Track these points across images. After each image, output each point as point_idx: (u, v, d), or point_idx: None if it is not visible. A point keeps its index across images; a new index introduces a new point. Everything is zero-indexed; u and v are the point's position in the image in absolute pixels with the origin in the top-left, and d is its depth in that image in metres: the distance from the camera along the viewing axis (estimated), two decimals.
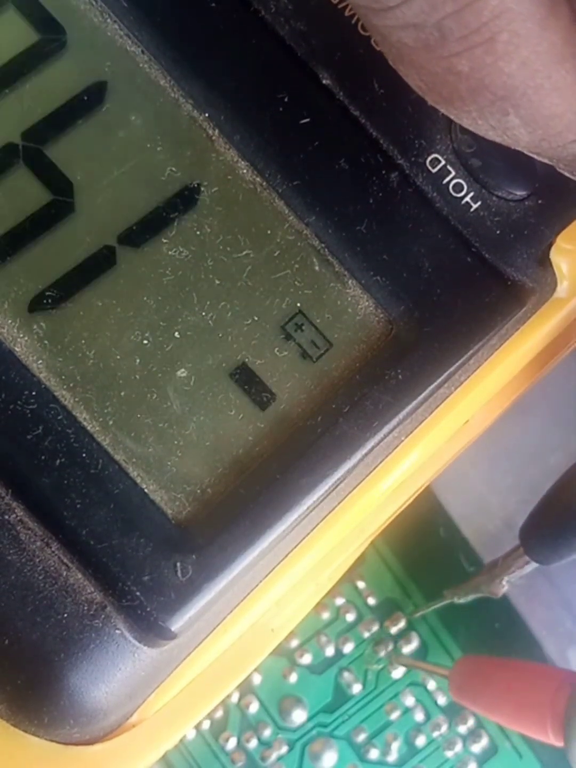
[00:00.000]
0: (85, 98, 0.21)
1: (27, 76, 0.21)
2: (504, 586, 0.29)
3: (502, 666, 0.29)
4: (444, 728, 0.30)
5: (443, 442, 0.22)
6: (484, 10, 0.16)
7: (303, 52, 0.21)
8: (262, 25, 0.21)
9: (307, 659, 0.30)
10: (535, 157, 0.18)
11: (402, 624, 0.31)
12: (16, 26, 0.21)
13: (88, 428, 0.20)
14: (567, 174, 0.19)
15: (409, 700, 0.30)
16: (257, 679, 0.30)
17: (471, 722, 0.30)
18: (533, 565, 0.28)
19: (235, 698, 0.30)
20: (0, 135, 0.20)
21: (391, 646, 0.31)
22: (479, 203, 0.21)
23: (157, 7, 0.21)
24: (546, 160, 0.18)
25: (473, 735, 0.30)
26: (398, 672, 0.30)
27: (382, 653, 0.31)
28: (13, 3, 0.21)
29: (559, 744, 0.27)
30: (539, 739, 0.28)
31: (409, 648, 0.31)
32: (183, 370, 0.20)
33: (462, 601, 0.30)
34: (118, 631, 0.20)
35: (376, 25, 0.17)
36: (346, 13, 0.21)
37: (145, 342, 0.20)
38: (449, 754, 0.30)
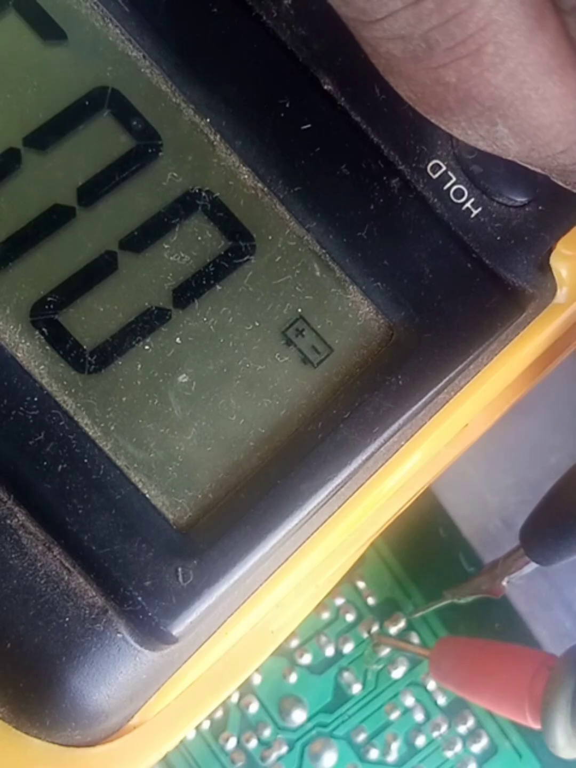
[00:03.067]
0: (87, 103, 0.21)
1: (29, 80, 0.21)
2: (504, 586, 0.29)
3: (482, 648, 0.29)
4: (444, 728, 0.30)
5: (443, 446, 0.23)
6: (470, 22, 0.16)
7: (304, 57, 0.21)
8: (263, 30, 0.21)
9: (307, 659, 0.30)
10: (527, 166, 0.18)
11: (402, 624, 0.31)
12: (17, 30, 0.21)
13: (90, 434, 0.20)
14: (560, 183, 0.19)
15: (409, 700, 0.30)
16: (257, 679, 0.30)
17: (471, 722, 0.31)
18: (533, 565, 0.28)
19: (235, 698, 0.30)
20: (1, 140, 0.20)
21: (391, 647, 0.31)
22: (480, 209, 0.21)
23: (158, 12, 0.21)
24: (538, 170, 0.18)
25: (473, 735, 0.31)
26: (398, 672, 0.31)
27: (382, 653, 0.31)
28: (14, 7, 0.21)
29: (537, 727, 0.27)
30: (518, 722, 0.28)
31: None
32: (184, 375, 0.20)
33: (462, 601, 0.30)
34: (119, 635, 0.20)
35: (365, 36, 0.17)
36: None
37: (147, 347, 0.20)
38: (449, 754, 0.30)
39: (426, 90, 0.17)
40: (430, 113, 0.18)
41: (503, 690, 0.28)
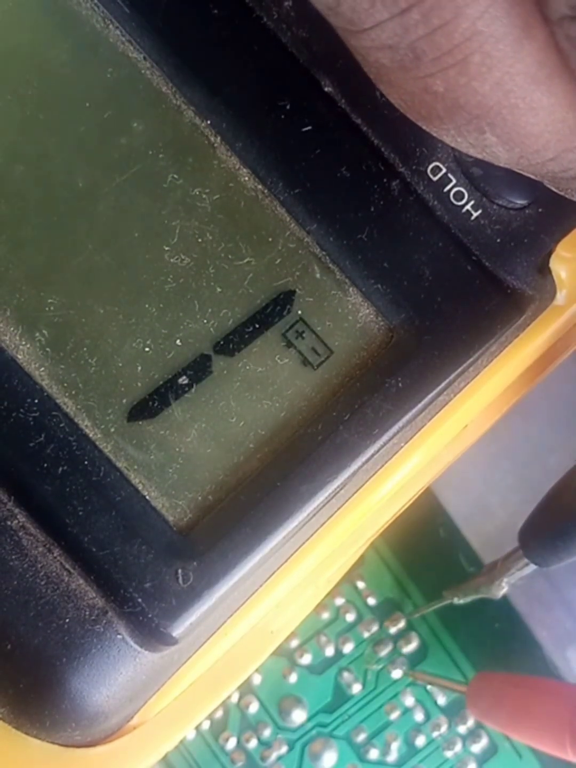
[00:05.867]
0: (87, 105, 0.21)
1: (28, 79, 0.21)
2: (503, 587, 0.29)
3: (520, 683, 0.29)
4: (444, 728, 0.31)
5: (442, 447, 0.23)
6: (455, 33, 0.16)
7: (305, 59, 0.21)
8: (264, 32, 0.21)
9: (307, 659, 0.30)
10: (519, 172, 0.18)
11: (402, 624, 0.31)
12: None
13: (90, 436, 0.20)
14: (553, 189, 0.19)
15: (409, 700, 0.31)
16: (257, 679, 0.30)
17: (471, 722, 0.31)
18: (532, 566, 0.28)
19: (235, 698, 0.30)
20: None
21: (391, 646, 0.31)
22: (480, 212, 0.21)
23: (159, 14, 0.21)
24: (530, 175, 0.18)
25: (473, 735, 0.31)
26: (398, 672, 0.31)
27: (382, 653, 0.31)
28: None
29: None
30: (559, 757, 0.28)
31: (409, 648, 0.31)
32: (184, 377, 0.20)
33: (461, 601, 0.30)
34: (119, 637, 0.20)
35: (354, 45, 0.17)
36: None
37: (147, 349, 0.20)
38: (449, 754, 0.30)
39: (415, 98, 0.17)
40: (420, 121, 0.18)
41: (543, 726, 0.28)
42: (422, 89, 0.17)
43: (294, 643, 0.30)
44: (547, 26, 0.16)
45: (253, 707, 0.30)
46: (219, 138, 0.21)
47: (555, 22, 0.16)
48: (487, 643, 0.31)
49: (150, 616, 0.19)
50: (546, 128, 0.17)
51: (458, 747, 0.30)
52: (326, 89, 0.21)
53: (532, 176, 0.18)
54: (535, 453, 0.32)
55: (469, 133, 0.17)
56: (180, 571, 0.19)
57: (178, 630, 0.19)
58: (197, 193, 0.21)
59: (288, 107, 0.21)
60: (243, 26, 0.21)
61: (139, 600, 0.19)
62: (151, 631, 0.19)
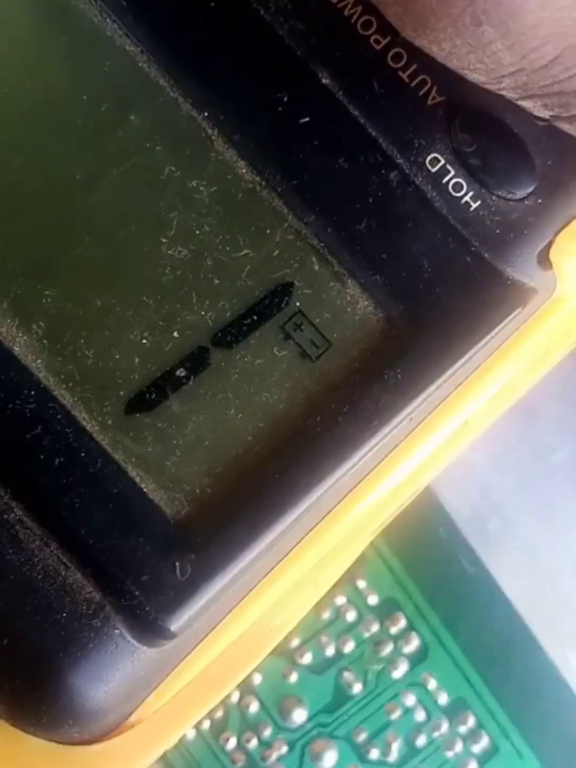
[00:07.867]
0: (84, 97, 0.21)
1: (25, 72, 0.21)
2: None
3: None
4: (444, 728, 0.30)
5: (443, 441, 0.22)
6: None
7: (302, 51, 0.21)
8: (261, 24, 0.21)
9: (307, 659, 0.30)
10: (526, 104, 0.18)
11: (402, 624, 0.31)
12: None
13: (87, 428, 0.20)
14: (564, 125, 0.18)
15: (410, 700, 0.30)
16: (257, 679, 0.30)
17: (471, 722, 0.30)
18: None
19: (235, 698, 0.30)
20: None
21: (391, 646, 0.31)
22: (479, 202, 0.21)
23: (156, 7, 0.21)
24: (540, 106, 0.18)
25: (473, 735, 0.30)
26: (398, 672, 0.30)
27: (383, 653, 0.31)
28: None
29: None
30: None
31: (409, 648, 0.31)
32: (182, 369, 0.20)
33: None
34: (117, 631, 0.20)
35: None
36: (346, 13, 0.21)
37: (144, 342, 0.20)
38: (449, 754, 0.30)
39: None
40: (418, 29, 0.17)
41: None
42: None
43: (294, 642, 0.30)
44: None
45: (253, 707, 0.30)
46: (216, 130, 0.21)
47: None
48: (487, 643, 0.31)
49: (147, 609, 0.19)
50: (544, 15, 0.16)
51: (458, 747, 0.30)
52: (324, 81, 0.21)
53: (542, 102, 0.17)
54: (536, 453, 0.32)
55: (466, 29, 0.17)
56: (178, 563, 0.19)
57: (176, 624, 0.19)
58: (195, 185, 0.21)
59: (285, 99, 0.21)
60: (240, 18, 0.21)
61: (137, 593, 0.19)
62: (148, 624, 0.19)
